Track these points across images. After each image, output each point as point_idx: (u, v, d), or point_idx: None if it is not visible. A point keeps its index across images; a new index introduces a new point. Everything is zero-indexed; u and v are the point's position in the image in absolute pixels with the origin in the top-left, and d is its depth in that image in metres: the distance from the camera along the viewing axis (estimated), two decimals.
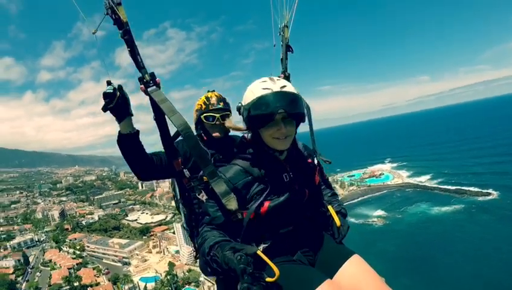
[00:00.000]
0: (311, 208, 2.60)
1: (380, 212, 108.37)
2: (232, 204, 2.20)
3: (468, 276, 62.49)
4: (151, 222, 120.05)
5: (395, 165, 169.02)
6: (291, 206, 2.38)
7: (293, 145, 2.51)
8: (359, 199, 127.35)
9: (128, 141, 2.81)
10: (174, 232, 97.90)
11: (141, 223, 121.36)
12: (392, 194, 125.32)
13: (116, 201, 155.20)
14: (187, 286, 73.44)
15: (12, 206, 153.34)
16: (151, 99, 2.65)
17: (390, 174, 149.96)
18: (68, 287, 77.17)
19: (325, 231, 2.67)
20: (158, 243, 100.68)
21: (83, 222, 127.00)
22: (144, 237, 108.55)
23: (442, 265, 69.13)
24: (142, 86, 2.64)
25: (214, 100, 3.49)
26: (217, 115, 3.42)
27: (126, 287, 76.51)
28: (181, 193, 3.30)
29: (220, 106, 3.47)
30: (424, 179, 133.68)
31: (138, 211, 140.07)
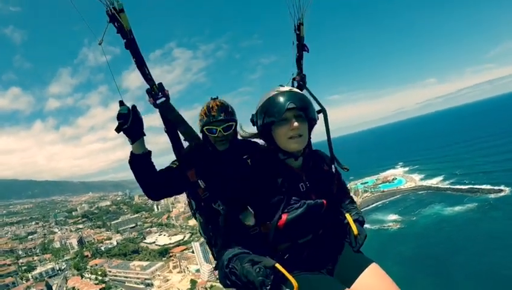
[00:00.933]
0: (330, 217, 2.57)
1: (394, 216, 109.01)
2: (249, 220, 2.22)
3: (482, 273, 63.05)
4: (170, 243, 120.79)
5: (407, 169, 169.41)
6: (310, 217, 2.36)
7: (307, 154, 2.53)
8: (374, 204, 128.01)
9: (141, 162, 2.81)
10: (193, 251, 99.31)
11: (160, 245, 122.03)
12: (405, 198, 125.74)
13: (133, 225, 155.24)
14: None
15: (30, 237, 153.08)
16: (160, 111, 2.69)
17: (403, 178, 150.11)
18: None
19: (342, 239, 2.66)
20: (178, 263, 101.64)
21: (102, 248, 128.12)
22: (163, 259, 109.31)
23: (456, 264, 69.94)
24: (151, 98, 2.60)
25: (215, 111, 3.29)
26: (219, 128, 3.23)
27: None
28: (196, 202, 3.30)
29: (221, 117, 3.27)
30: (436, 181, 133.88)
31: (156, 233, 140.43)
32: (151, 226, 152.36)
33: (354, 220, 2.65)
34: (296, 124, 2.25)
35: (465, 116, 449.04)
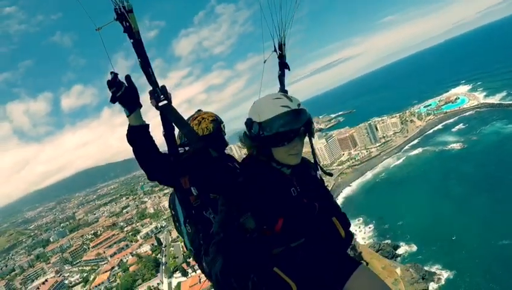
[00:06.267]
0: (320, 220, 2.49)
1: (457, 137, 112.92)
2: (250, 223, 2.15)
3: None
4: None
5: (469, 87, 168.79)
6: (303, 220, 2.36)
7: None
8: (437, 127, 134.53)
9: (141, 134, 2.61)
10: None
11: None
12: (468, 118, 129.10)
13: None
14: None
15: (124, 211, 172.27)
16: (161, 114, 2.61)
17: (466, 97, 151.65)
18: None
19: (331, 241, 2.51)
20: None
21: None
22: None
23: None
24: (153, 100, 2.56)
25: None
26: None
27: None
28: (187, 211, 3.13)
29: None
30: (499, 97, 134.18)
31: None
32: None
33: (340, 223, 2.55)
34: (299, 146, 2.28)
35: None
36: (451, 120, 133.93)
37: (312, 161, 2.76)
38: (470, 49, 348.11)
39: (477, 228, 66.42)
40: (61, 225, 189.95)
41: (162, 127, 2.70)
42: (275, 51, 3.22)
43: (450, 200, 79.33)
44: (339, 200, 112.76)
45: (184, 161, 2.90)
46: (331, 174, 3.05)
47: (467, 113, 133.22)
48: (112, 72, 2.41)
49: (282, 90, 3.29)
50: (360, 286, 2.33)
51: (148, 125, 2.63)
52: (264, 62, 3.22)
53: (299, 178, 2.48)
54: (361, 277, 2.37)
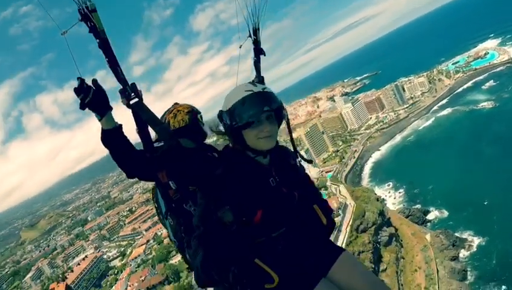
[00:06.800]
0: (301, 208, 2.49)
1: (487, 95, 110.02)
2: (228, 216, 2.13)
3: None
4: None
5: (499, 40, 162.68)
6: (283, 210, 2.35)
7: (274, 149, 2.41)
8: (466, 85, 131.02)
9: (114, 136, 2.65)
10: None
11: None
12: (499, 74, 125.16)
13: None
14: None
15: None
16: (133, 112, 2.65)
17: (495, 51, 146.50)
18: None
19: (312, 229, 2.53)
20: None
21: None
22: None
23: None
24: (124, 98, 2.59)
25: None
26: None
27: None
28: (167, 204, 3.23)
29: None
30: None
31: None
32: None
33: (322, 210, 2.56)
34: (268, 128, 2.23)
35: None
36: (481, 77, 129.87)
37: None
38: (498, 0, 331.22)
39: (510, 191, 64.81)
40: (98, 204, 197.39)
41: (135, 124, 2.78)
42: (250, 36, 3.23)
43: (481, 162, 77.98)
44: (368, 165, 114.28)
45: (160, 155, 2.96)
46: (311, 161, 3.09)
47: (498, 69, 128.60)
48: (78, 78, 2.41)
49: (258, 76, 3.34)
50: (343, 273, 2.35)
51: (121, 125, 2.68)
52: (240, 47, 3.24)
53: (277, 167, 2.48)
54: (344, 264, 2.39)
